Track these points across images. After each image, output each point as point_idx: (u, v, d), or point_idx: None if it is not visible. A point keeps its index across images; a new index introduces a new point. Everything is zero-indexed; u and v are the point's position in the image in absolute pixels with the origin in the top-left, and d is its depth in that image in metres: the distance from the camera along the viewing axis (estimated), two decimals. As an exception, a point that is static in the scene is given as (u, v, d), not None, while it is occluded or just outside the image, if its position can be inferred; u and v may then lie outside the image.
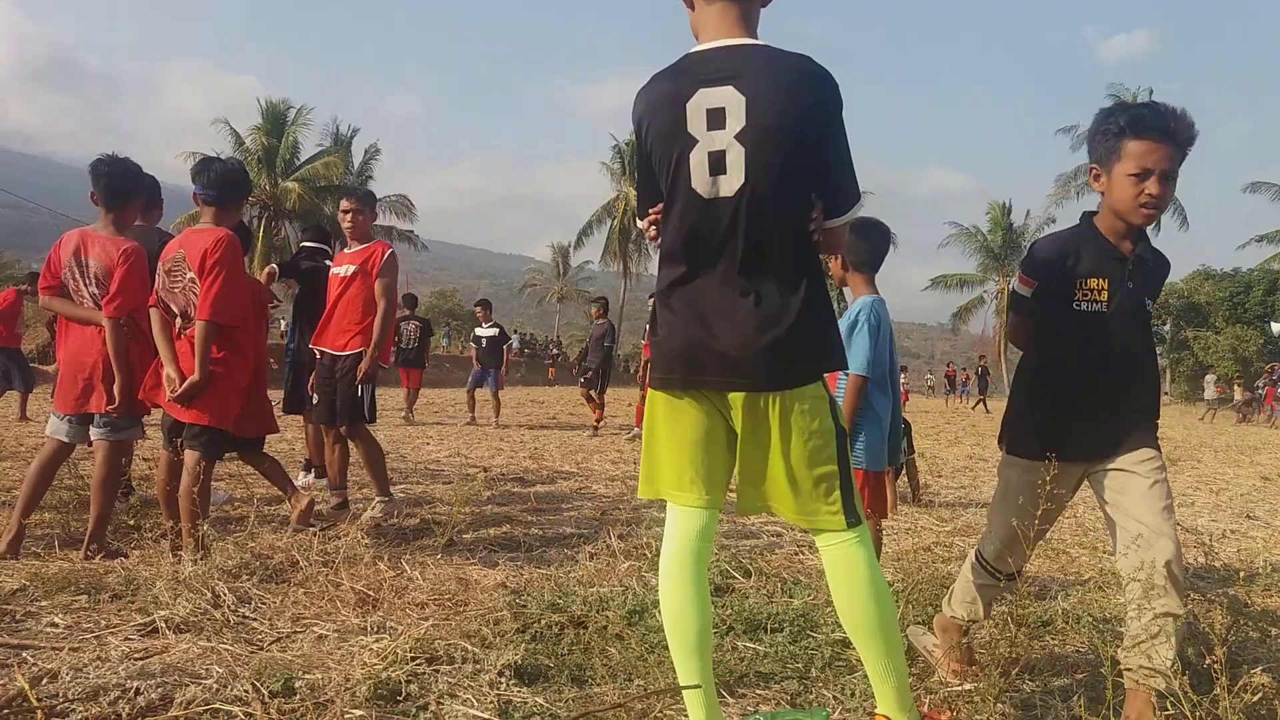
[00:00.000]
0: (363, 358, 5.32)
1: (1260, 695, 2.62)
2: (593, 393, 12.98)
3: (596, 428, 12.89)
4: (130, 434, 4.29)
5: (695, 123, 2.20)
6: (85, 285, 4.18)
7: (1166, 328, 46.59)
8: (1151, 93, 50.32)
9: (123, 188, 4.32)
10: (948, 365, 43.57)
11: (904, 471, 6.83)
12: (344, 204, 5.78)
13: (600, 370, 13.01)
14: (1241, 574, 3.89)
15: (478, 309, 14.65)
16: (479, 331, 14.30)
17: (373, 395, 5.42)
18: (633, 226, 48.90)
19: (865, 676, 2.49)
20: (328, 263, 6.67)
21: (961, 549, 4.93)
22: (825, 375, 2.32)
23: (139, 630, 3.12)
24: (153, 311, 4.14)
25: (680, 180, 2.24)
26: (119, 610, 3.34)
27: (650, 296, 11.71)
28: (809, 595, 3.73)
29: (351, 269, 5.52)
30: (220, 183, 4.16)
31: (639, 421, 12.16)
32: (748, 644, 3.15)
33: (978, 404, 31.85)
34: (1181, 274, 46.76)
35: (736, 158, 2.17)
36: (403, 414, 13.87)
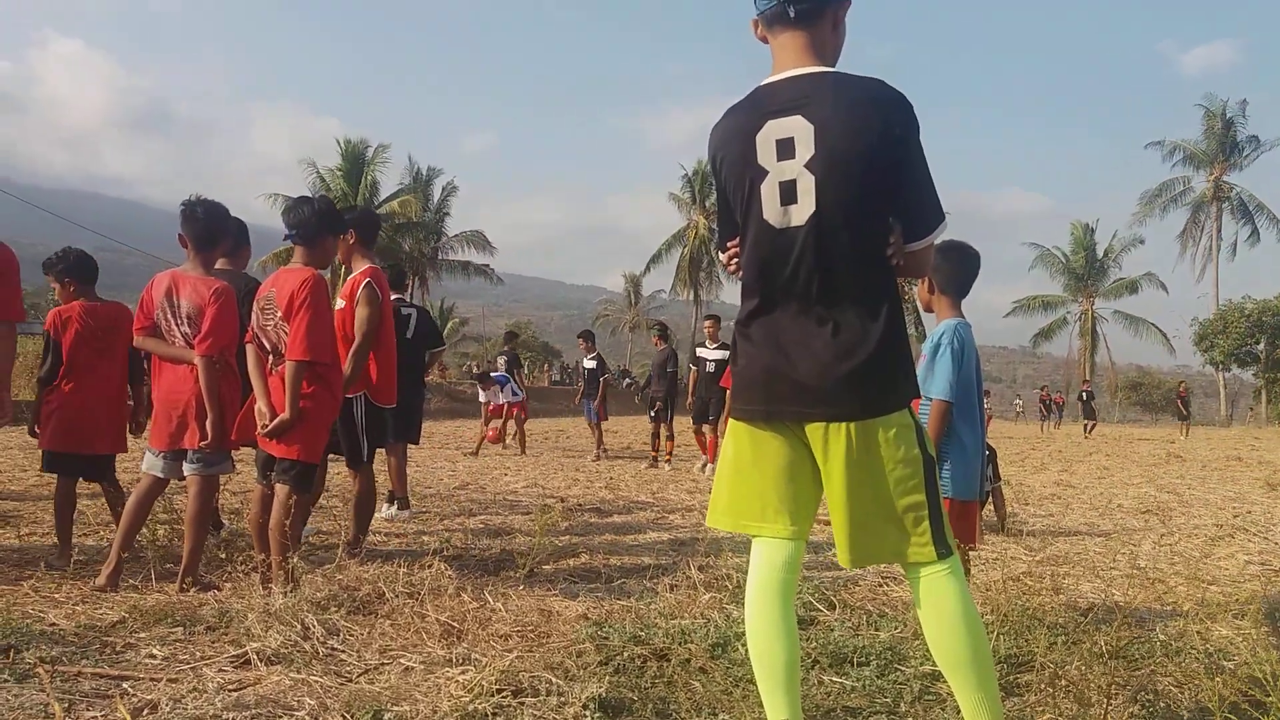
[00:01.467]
0: (358, 399, 5.08)
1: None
2: (663, 426, 12.54)
3: (670, 459, 12.49)
4: (222, 468, 4.41)
5: (765, 154, 2.22)
6: (177, 325, 4.32)
7: (1260, 346, 44.82)
8: (1245, 104, 48.98)
9: (215, 230, 4.47)
10: (1042, 389, 41.63)
11: (989, 499, 6.66)
12: None
13: (667, 399, 12.57)
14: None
15: (580, 341, 14.60)
16: (584, 364, 14.43)
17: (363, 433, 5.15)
18: (704, 255, 48.98)
19: (956, 710, 2.42)
20: (404, 310, 6.98)
21: (1052, 579, 4.78)
22: (910, 402, 2.29)
23: (232, 662, 3.19)
24: (249, 347, 4.27)
25: (753, 212, 2.25)
26: (213, 642, 3.43)
27: (708, 319, 11.59)
28: (895, 628, 3.65)
29: (342, 304, 5.13)
30: (302, 223, 4.27)
31: (704, 450, 11.68)
32: (834, 678, 3.09)
33: (1090, 428, 30.81)
34: (1276, 290, 45.03)
35: (807, 186, 2.17)
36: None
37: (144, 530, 4.66)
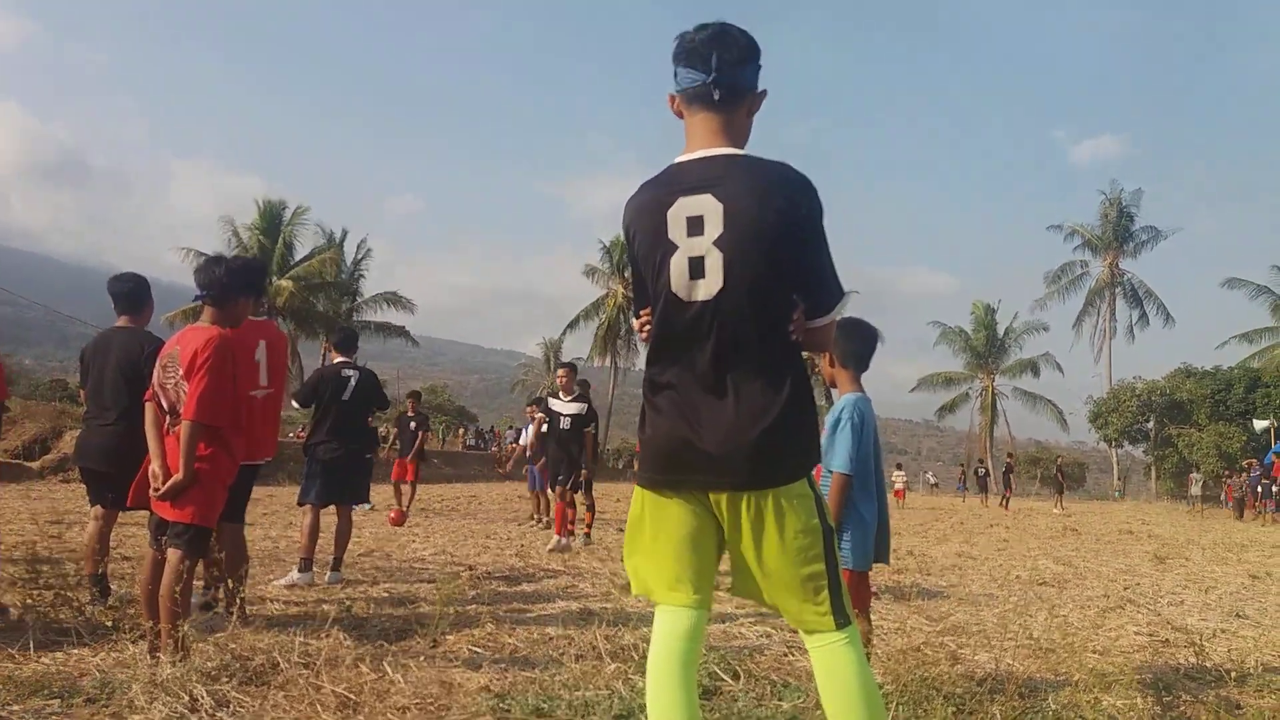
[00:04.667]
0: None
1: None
2: (578, 495, 10.43)
3: (589, 530, 10.84)
4: None
5: (675, 230, 2.30)
6: None
7: (1150, 424, 46.81)
8: (1141, 193, 52.00)
9: None
10: (978, 462, 41.00)
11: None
12: None
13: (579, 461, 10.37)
14: (1233, 674, 3.86)
15: (529, 408, 13.89)
16: (528, 431, 13.72)
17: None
18: (621, 323, 49.31)
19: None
20: (345, 372, 7.12)
21: (951, 650, 4.88)
22: (812, 473, 2.35)
23: (113, 736, 3.05)
24: (147, 405, 4.15)
25: (662, 284, 2.32)
26: (92, 715, 3.27)
27: (561, 367, 10.23)
28: (799, 698, 3.67)
29: None
30: (213, 282, 4.21)
31: (559, 528, 9.74)
32: (735, 748, 3.09)
33: (1004, 501, 31.39)
34: (1163, 371, 47.26)
35: (715, 263, 2.25)
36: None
37: (23, 596, 4.44)
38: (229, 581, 4.88)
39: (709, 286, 2.27)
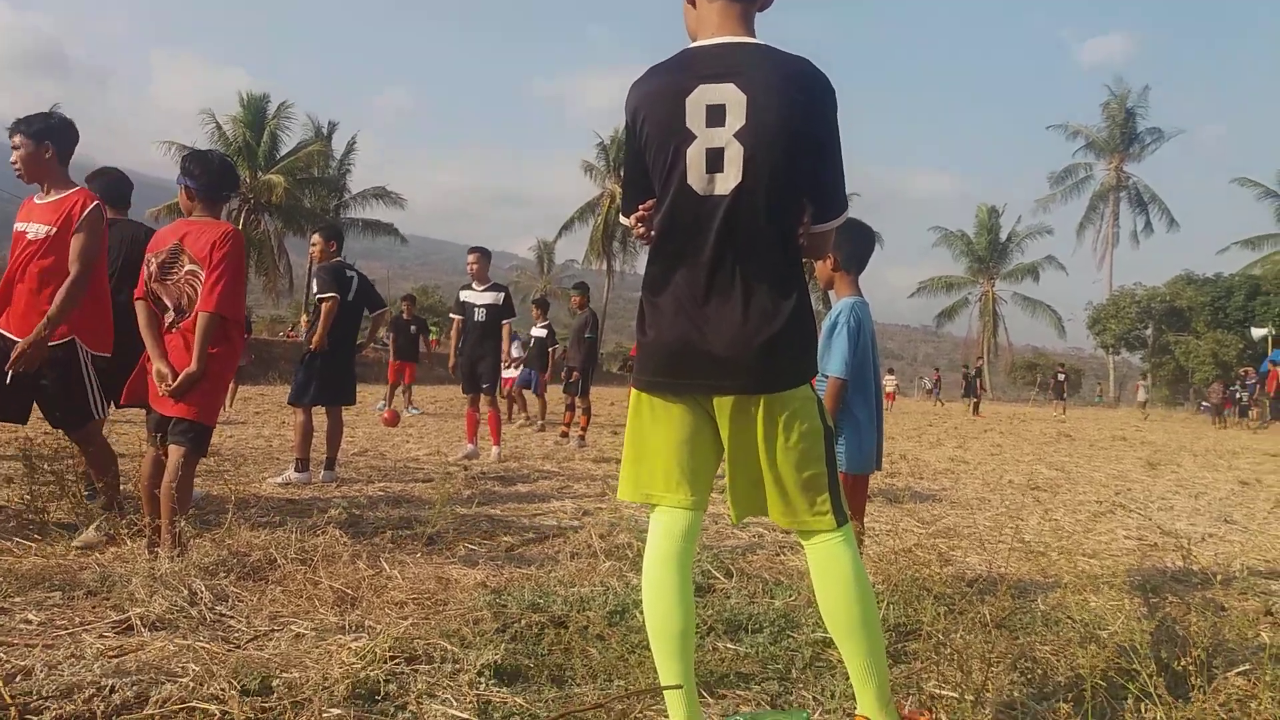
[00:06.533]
0: (75, 345, 4.27)
1: (1236, 696, 2.65)
2: (576, 398, 11.12)
3: (583, 434, 10.84)
4: None
5: (694, 118, 2.18)
6: None
7: (1149, 331, 46.89)
8: (1147, 89, 51.00)
9: None
10: (964, 366, 40.92)
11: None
12: (13, 140, 4.36)
13: (583, 369, 11.10)
14: (1219, 577, 3.90)
15: (534, 308, 13.84)
16: (533, 332, 14.02)
17: (93, 386, 4.37)
18: (618, 224, 48.81)
19: (846, 677, 2.48)
20: (349, 272, 7.25)
21: (943, 551, 4.94)
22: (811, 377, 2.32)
23: (114, 628, 3.08)
24: (139, 305, 4.10)
25: (675, 176, 2.22)
26: (93, 607, 3.30)
27: (472, 252, 9.17)
28: (790, 596, 3.72)
29: (46, 230, 4.25)
30: (207, 176, 4.14)
31: (470, 432, 9.06)
32: (728, 645, 3.14)
33: (976, 406, 32.12)
34: (1164, 278, 47.11)
35: (735, 155, 2.15)
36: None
37: (20, 492, 4.46)
38: (99, 483, 4.46)
39: (727, 181, 2.17)
